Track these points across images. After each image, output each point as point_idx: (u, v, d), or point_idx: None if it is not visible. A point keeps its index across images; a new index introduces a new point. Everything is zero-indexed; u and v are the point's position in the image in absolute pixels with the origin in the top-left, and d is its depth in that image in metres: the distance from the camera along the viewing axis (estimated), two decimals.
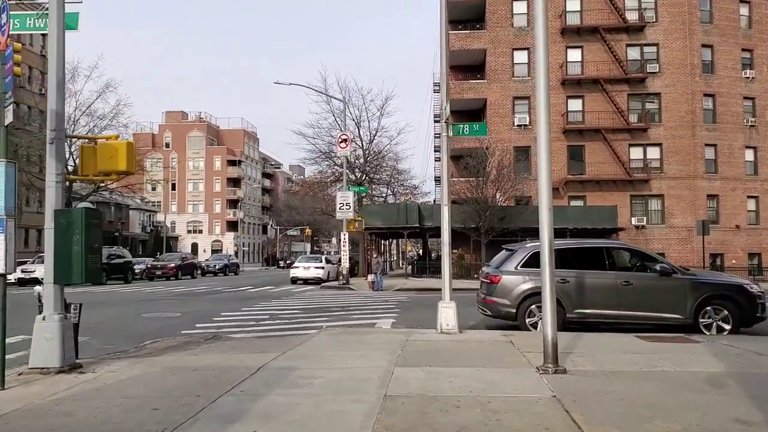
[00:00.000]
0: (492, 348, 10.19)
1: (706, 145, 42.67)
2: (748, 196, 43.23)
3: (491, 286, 13.10)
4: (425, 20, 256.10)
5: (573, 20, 42.66)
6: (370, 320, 15.48)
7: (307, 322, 15.29)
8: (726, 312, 12.35)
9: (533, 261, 13.02)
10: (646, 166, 42.42)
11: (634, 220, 41.88)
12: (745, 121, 43.19)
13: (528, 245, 13.55)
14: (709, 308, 12.41)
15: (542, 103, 8.28)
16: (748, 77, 43.32)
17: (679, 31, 42.34)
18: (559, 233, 35.08)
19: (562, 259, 12.45)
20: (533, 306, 12.74)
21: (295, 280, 35.05)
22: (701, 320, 12.41)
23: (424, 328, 12.85)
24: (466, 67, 44.39)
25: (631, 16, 42.63)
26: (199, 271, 49.12)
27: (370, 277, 28.67)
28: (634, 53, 42.75)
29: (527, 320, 12.73)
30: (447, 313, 12.00)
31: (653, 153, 42.60)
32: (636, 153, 42.62)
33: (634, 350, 9.81)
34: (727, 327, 12.31)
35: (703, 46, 42.84)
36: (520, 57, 43.12)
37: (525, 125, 42.54)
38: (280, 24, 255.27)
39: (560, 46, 42.66)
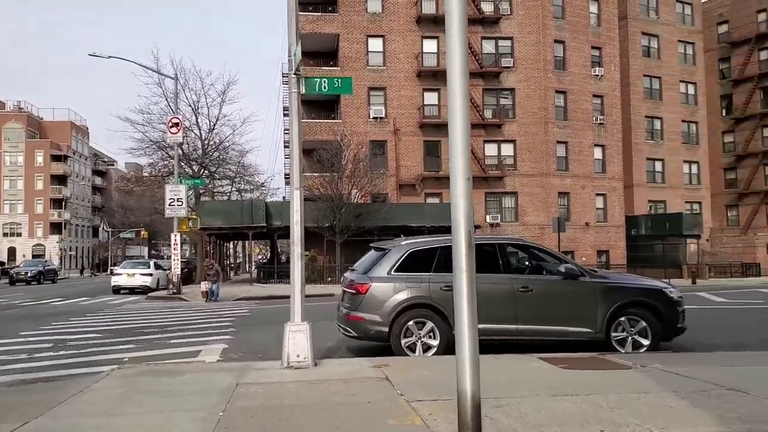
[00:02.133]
0: (364, 393, 6.89)
1: (558, 142, 42.47)
2: (597, 194, 43.62)
3: (357, 297, 9.85)
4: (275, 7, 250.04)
5: (429, 9, 40.73)
6: (193, 347, 11.60)
7: (102, 353, 11.14)
8: (644, 323, 9.95)
9: (412, 263, 9.95)
10: (501, 163, 41.40)
11: (488, 218, 40.69)
12: (594, 119, 43.55)
13: (404, 242, 10.45)
14: (623, 319, 9.96)
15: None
16: (598, 75, 43.74)
17: (533, 26, 41.78)
18: (416, 232, 32.97)
19: (444, 260, 9.56)
20: (411, 322, 9.69)
21: (117, 290, 29.87)
22: (614, 334, 9.95)
23: (266, 359, 9.36)
24: (319, 53, 41.07)
25: (487, 8, 41.45)
26: (6, 280, 41.81)
27: (204, 286, 24.46)
28: (489, 46, 41.62)
29: (403, 341, 9.66)
30: (297, 340, 8.57)
31: (507, 150, 41.67)
32: (491, 150, 41.47)
33: (558, 387, 6.94)
34: (646, 342, 9.92)
35: (556, 41, 42.62)
36: (375, 45, 40.51)
37: (381, 118, 39.99)
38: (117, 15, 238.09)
39: (416, 36, 40.58)
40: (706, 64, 53.29)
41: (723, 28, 57.15)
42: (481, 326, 9.63)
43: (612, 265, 42.96)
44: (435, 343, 9.63)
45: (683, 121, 49.89)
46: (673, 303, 10.12)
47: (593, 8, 44.20)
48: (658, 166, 48.81)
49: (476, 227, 37.48)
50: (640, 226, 45.92)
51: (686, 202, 49.52)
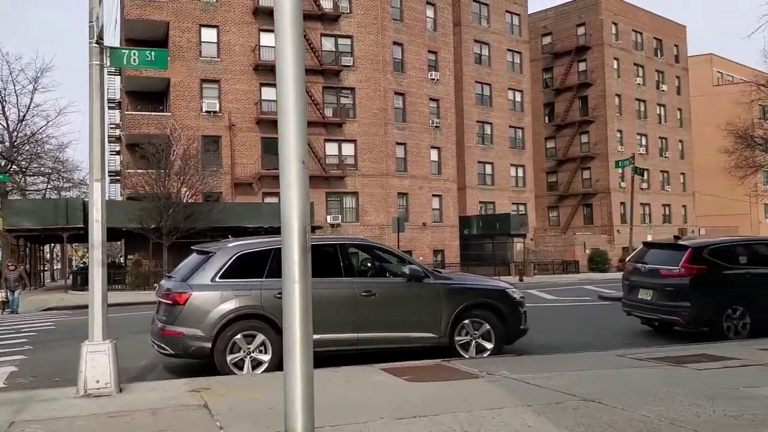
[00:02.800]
0: (175, 429, 5.64)
1: (397, 143, 42.80)
2: (433, 195, 44.53)
3: (174, 308, 8.48)
4: None
5: (266, 1, 39.18)
6: None
7: None
8: (488, 326, 9.52)
9: (240, 268, 8.76)
10: (342, 162, 40.92)
11: (329, 219, 40.03)
12: (431, 122, 44.40)
13: (231, 244, 9.23)
14: (467, 322, 9.46)
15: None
16: (434, 79, 44.65)
17: (372, 26, 41.72)
18: (252, 233, 31.36)
19: (278, 264, 8.47)
20: (239, 336, 8.51)
21: None
22: (457, 338, 9.43)
23: (63, 385, 7.74)
24: (147, 41, 38.03)
25: (327, 5, 40.76)
26: None
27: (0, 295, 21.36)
28: (329, 44, 40.97)
29: (229, 358, 8.46)
30: (97, 362, 7.09)
31: (348, 149, 41.27)
32: (332, 149, 40.84)
33: (405, 407, 6.13)
34: (489, 346, 9.50)
35: (395, 43, 42.92)
36: (209, 35, 38.34)
37: (215, 112, 37.90)
38: None
39: (253, 28, 38.95)
40: (532, 73, 56.53)
41: (547, 40, 60.96)
42: (318, 336, 8.66)
43: (447, 264, 44.05)
44: (266, 358, 8.52)
45: (511, 126, 52.46)
46: (515, 304, 9.80)
47: (430, 12, 45.08)
48: (489, 169, 50.89)
49: (317, 228, 36.76)
50: (472, 226, 47.57)
51: (513, 203, 52.11)
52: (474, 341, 9.46)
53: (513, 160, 52.57)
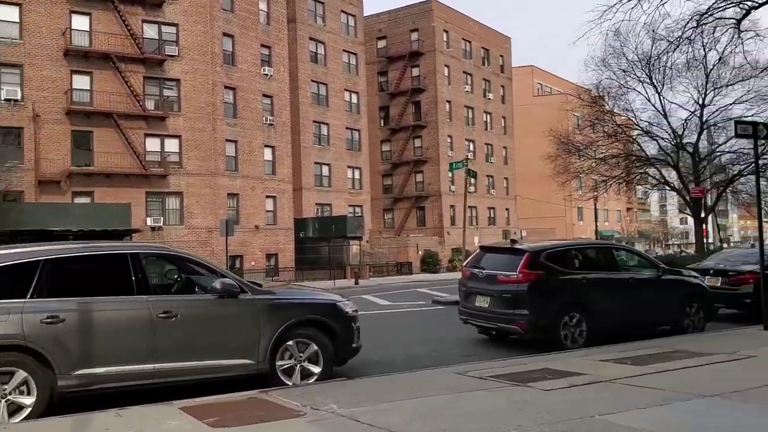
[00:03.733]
0: None
1: (228, 140, 40.47)
2: (267, 196, 42.69)
3: None
4: None
5: None
6: None
7: None
8: (315, 347, 8.19)
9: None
10: (164, 159, 37.80)
11: (150, 221, 36.72)
12: (264, 119, 42.52)
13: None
14: (291, 343, 8.09)
15: None
16: (268, 74, 42.82)
17: (200, 15, 39.01)
18: (60, 237, 27.75)
19: (51, 278, 6.72)
20: None
21: None
22: (279, 363, 8.03)
23: None
24: None
25: None
26: None
27: None
28: (151, 31, 37.69)
29: None
30: None
31: (172, 145, 38.22)
32: (153, 144, 37.59)
33: None
34: (317, 370, 8.19)
35: (225, 35, 40.54)
36: (9, 13, 33.71)
37: (16, 100, 33.42)
38: None
39: (63, 9, 34.85)
40: (368, 75, 56.45)
41: (382, 43, 61.29)
42: (100, 371, 6.93)
43: (281, 268, 42.44)
44: (28, 401, 6.58)
45: (347, 128, 51.90)
46: (347, 319, 8.58)
47: (263, 5, 43.21)
48: (325, 170, 49.92)
49: (136, 231, 33.53)
50: (308, 229, 46.31)
51: (350, 205, 51.60)
52: (299, 365, 8.11)
53: (350, 161, 52.04)
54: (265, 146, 42.71)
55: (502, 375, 8.00)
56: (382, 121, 61.29)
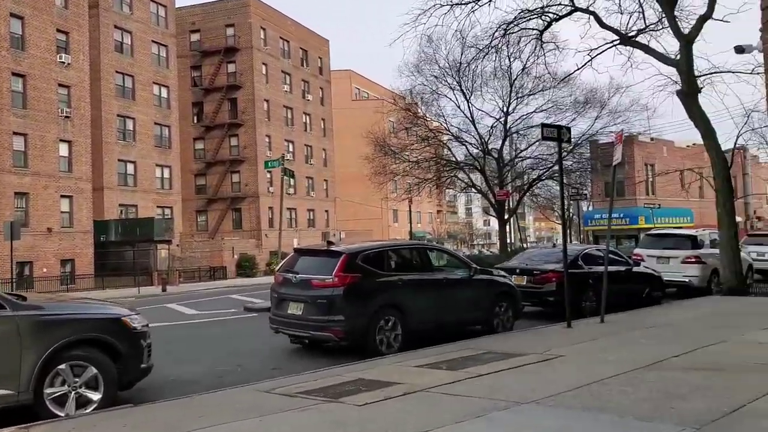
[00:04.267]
0: None
1: (15, 133, 35.97)
2: (62, 196, 38.59)
3: None
4: None
5: None
6: None
7: None
8: (94, 370, 6.95)
9: None
10: None
11: None
12: (60, 111, 38.39)
13: None
14: (64, 367, 6.80)
15: None
16: (65, 62, 38.76)
17: None
18: None
19: None
20: None
21: None
22: (49, 390, 6.72)
23: None
24: None
25: None
26: None
27: None
28: None
29: None
30: None
31: None
32: None
33: None
34: (96, 397, 6.95)
35: (13, 15, 36.02)
36: None
37: None
38: None
39: None
40: (180, 69, 53.44)
41: (195, 37, 58.48)
42: None
43: (78, 275, 38.63)
44: None
45: (156, 123, 48.64)
46: (134, 336, 7.40)
47: None
48: (130, 168, 46.28)
49: None
50: (110, 232, 42.59)
51: (158, 206, 48.40)
52: (74, 392, 6.81)
53: (158, 159, 48.76)
54: (61, 141, 38.60)
55: (313, 390, 7.30)
56: (195, 117, 58.45)
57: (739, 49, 15.61)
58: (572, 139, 30.59)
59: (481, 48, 22.83)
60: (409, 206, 45.38)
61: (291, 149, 60.66)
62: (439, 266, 12.03)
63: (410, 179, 37.06)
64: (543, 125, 11.79)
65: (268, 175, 55.00)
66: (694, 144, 52.28)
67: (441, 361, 8.88)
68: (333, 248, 10.62)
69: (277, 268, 11.65)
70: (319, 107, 66.44)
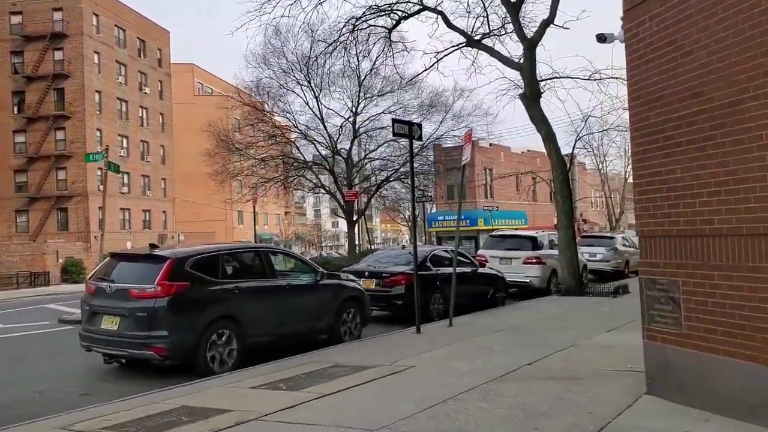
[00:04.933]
0: None
1: None
2: None
3: None
4: None
5: None
6: None
7: None
8: None
9: None
10: None
11: None
12: None
13: None
14: None
15: None
16: None
17: None
18: None
19: None
20: None
21: None
22: None
23: None
24: None
25: None
26: None
27: None
28: None
29: None
30: None
31: None
32: None
33: None
34: None
35: None
36: None
37: None
38: None
39: None
40: None
41: (17, 19, 52.76)
42: None
43: None
44: None
45: None
46: None
47: None
48: None
49: None
50: None
51: None
52: None
53: None
54: None
55: (123, 425, 6.02)
56: (15, 108, 52.73)
57: (601, 38, 15.80)
58: (418, 142, 30.88)
59: (329, 43, 22.05)
60: (254, 207, 43.70)
61: (125, 145, 56.54)
62: (283, 271, 11.00)
63: (255, 179, 35.50)
64: (394, 120, 11.14)
65: (99, 172, 50.75)
66: (528, 150, 55.32)
67: (281, 379, 7.87)
68: (156, 252, 9.24)
69: (89, 276, 9.99)
70: (157, 101, 62.50)
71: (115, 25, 56.85)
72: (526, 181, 48.54)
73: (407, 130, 10.84)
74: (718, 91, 5.22)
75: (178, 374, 8.61)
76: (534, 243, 19.38)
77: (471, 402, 6.30)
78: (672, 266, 5.83)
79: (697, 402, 5.57)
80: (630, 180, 64.00)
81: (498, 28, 19.88)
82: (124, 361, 9.34)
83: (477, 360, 8.56)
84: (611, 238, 27.17)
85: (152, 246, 9.76)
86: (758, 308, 4.92)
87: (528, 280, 18.56)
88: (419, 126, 11.22)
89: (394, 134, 11.02)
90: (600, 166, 60.07)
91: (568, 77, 19.71)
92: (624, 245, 26.58)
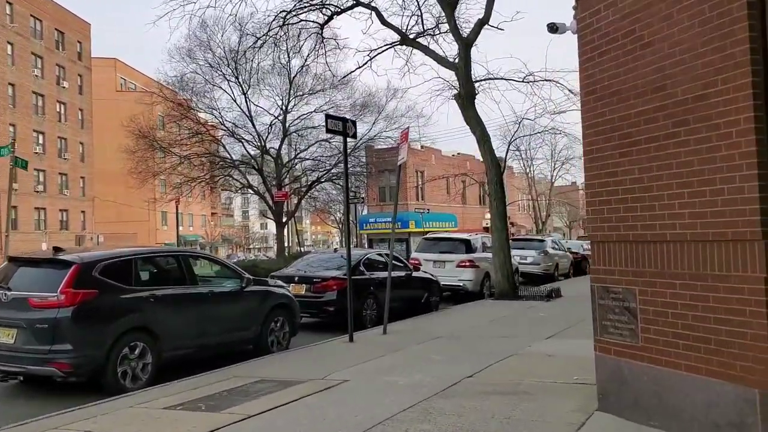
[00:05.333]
0: None
1: None
2: None
3: None
4: None
5: None
6: None
7: None
8: None
9: None
10: None
11: None
12: None
13: None
14: None
15: None
16: None
17: None
18: None
19: None
20: None
21: None
22: None
23: None
24: None
25: None
26: None
27: None
28: None
29: None
30: None
31: None
32: None
33: None
34: None
35: None
36: None
37: None
38: None
39: None
40: None
41: None
42: None
43: None
44: None
45: None
46: None
47: None
48: None
49: None
50: None
51: None
52: None
53: None
54: None
55: None
56: None
57: (552, 28, 15.41)
58: (351, 143, 30.22)
59: (258, 37, 21.16)
60: (177, 207, 42.05)
61: (41, 141, 53.60)
62: (205, 277, 10.18)
63: (179, 178, 33.99)
64: (327, 116, 10.49)
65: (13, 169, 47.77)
66: (459, 153, 55.61)
67: (201, 397, 7.10)
68: (61, 257, 8.25)
69: None
70: (76, 96, 59.54)
71: (31, 15, 53.78)
72: (457, 184, 48.68)
73: (341, 126, 10.22)
74: (681, 84, 4.84)
75: (85, 392, 7.70)
76: (468, 246, 19.09)
77: (411, 423, 5.74)
78: (628, 274, 5.43)
79: (656, 420, 5.18)
80: (556, 184, 65.52)
81: (433, 28, 19.55)
82: (21, 378, 8.31)
83: (415, 372, 8.01)
84: (542, 241, 27.30)
85: (56, 249, 8.74)
86: (725, 320, 4.55)
87: (462, 284, 18.24)
88: (354, 123, 10.60)
89: (328, 130, 10.38)
90: (528, 170, 61.10)
91: (502, 78, 19.57)
92: (554, 248, 26.75)
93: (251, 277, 10.28)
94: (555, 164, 61.51)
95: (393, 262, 13.09)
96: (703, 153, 4.67)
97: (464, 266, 18.46)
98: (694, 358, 4.80)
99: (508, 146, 30.85)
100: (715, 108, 4.56)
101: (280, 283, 11.48)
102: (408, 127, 13.84)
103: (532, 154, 53.28)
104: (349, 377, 7.85)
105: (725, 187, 4.50)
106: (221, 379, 8.06)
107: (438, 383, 7.26)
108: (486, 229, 46.64)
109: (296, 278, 13.24)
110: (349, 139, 10.85)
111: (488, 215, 51.58)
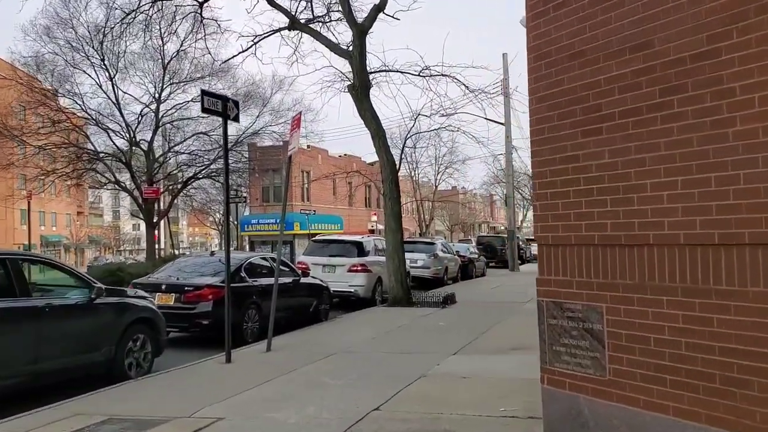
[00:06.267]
0: None
1: None
2: None
3: None
4: None
5: None
6: None
7: None
8: None
9: None
10: None
11: None
12: None
13: None
14: None
15: None
16: None
17: None
18: None
19: None
20: None
21: None
22: None
23: None
24: None
25: None
26: None
27: None
28: None
29: None
30: None
31: None
32: None
33: None
34: None
35: None
36: None
37: None
38: None
39: None
40: None
41: None
42: None
43: None
44: None
45: None
46: None
47: None
48: None
49: None
50: None
51: None
52: None
53: None
54: None
55: None
56: None
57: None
58: (232, 137, 28.06)
59: (127, 12, 18.77)
60: (28, 203, 37.96)
61: None
62: (43, 287, 8.18)
63: (33, 171, 30.24)
64: (203, 92, 8.72)
65: None
66: (346, 154, 54.42)
67: None
68: None
69: None
70: None
71: None
72: (343, 185, 47.44)
73: (221, 106, 8.54)
74: (678, 38, 3.68)
75: None
76: (360, 249, 17.78)
77: None
78: (591, 287, 4.23)
79: None
80: (440, 188, 65.79)
81: (324, 15, 18.07)
82: None
83: (308, 404, 6.51)
84: (431, 243, 26.50)
85: None
86: (738, 351, 3.42)
87: (353, 290, 16.91)
88: (236, 104, 8.93)
89: (204, 110, 8.64)
90: (412, 173, 60.88)
91: (398, 71, 18.41)
92: (443, 251, 26.02)
93: (103, 286, 8.33)
94: (438, 168, 61.67)
95: (280, 267, 11.50)
96: (706, 128, 3.53)
97: (356, 271, 17.15)
98: (688, 400, 3.65)
99: (404, 143, 29.83)
100: (728, 68, 3.43)
101: (141, 293, 9.57)
102: (300, 112, 12.31)
103: (417, 157, 52.93)
104: (224, 414, 6.23)
105: (740, 173, 3.38)
106: (57, 419, 6.22)
107: (338, 421, 5.82)
108: (372, 232, 45.69)
109: (164, 286, 11.32)
110: (230, 134, 9.26)
111: (374, 217, 50.61)
